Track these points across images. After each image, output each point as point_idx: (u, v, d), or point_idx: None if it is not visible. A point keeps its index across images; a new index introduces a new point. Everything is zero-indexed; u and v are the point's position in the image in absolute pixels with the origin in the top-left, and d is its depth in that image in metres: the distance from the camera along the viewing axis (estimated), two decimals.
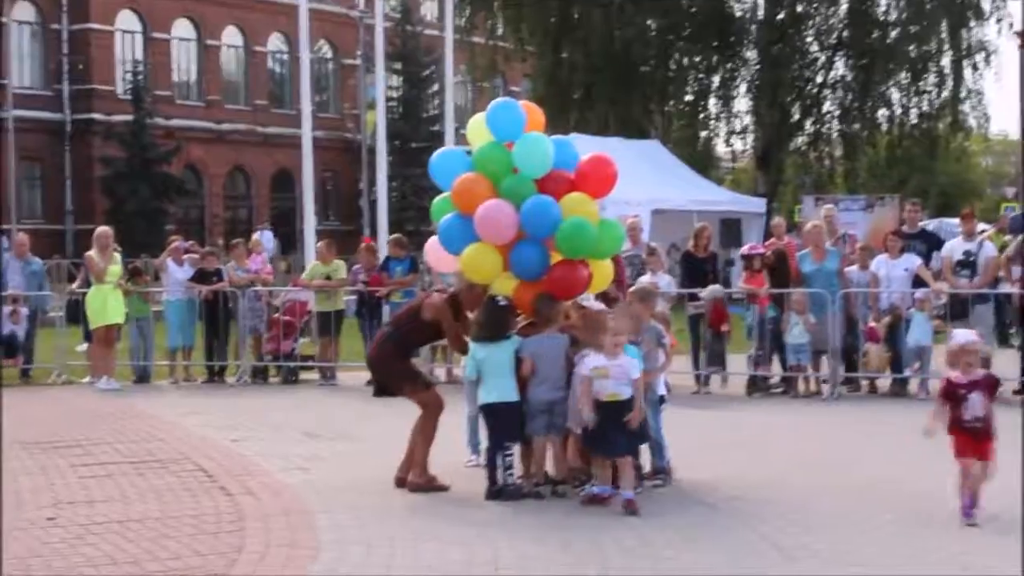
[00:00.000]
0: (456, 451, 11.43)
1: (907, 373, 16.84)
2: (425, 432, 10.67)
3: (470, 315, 10.79)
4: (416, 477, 10.59)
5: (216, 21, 58.64)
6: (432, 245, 11.34)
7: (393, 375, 10.88)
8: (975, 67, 45.02)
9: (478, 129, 11.08)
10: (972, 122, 47.99)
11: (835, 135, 47.79)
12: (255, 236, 27.55)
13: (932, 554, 8.45)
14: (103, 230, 19.18)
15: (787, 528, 9.13)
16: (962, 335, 9.87)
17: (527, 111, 11.05)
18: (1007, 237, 22.23)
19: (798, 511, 9.72)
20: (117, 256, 19.02)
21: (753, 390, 17.19)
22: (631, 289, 11.72)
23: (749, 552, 8.48)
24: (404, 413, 10.90)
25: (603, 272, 10.99)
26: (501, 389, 10.29)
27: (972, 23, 44.24)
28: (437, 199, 11.28)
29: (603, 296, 11.23)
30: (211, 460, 12.11)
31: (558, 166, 10.80)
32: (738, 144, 50.49)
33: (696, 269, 17.92)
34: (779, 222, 20.83)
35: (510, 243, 10.53)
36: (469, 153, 11.20)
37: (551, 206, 10.43)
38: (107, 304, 18.36)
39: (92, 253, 18.68)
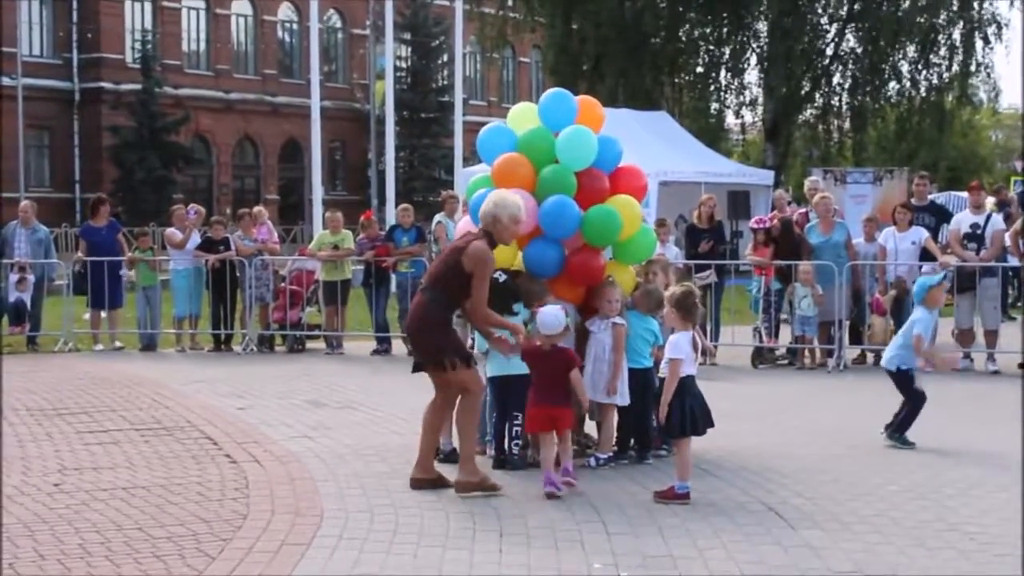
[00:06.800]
0: None
1: None
2: (468, 419, 9.64)
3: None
4: (468, 476, 9.46)
5: None
6: (465, 227, 11.16)
7: (439, 346, 9.50)
8: (986, 40, 44.86)
9: (523, 115, 11.02)
10: (982, 95, 47.88)
11: (844, 108, 47.66)
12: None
13: (937, 523, 8.45)
14: None
15: (792, 499, 9.14)
16: None
17: (585, 106, 11.01)
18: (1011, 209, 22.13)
19: (803, 481, 9.72)
20: None
21: (758, 361, 17.19)
22: (652, 260, 11.54)
23: (754, 521, 8.49)
24: (410, 382, 10.83)
25: (627, 277, 10.95)
26: (508, 361, 10.26)
27: None
28: (473, 179, 11.24)
29: None
30: (217, 428, 12.13)
31: (598, 164, 10.76)
32: (748, 116, 50.44)
33: (699, 241, 17.91)
34: (780, 194, 20.78)
35: (527, 236, 10.47)
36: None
37: (570, 207, 10.38)
38: None
39: None
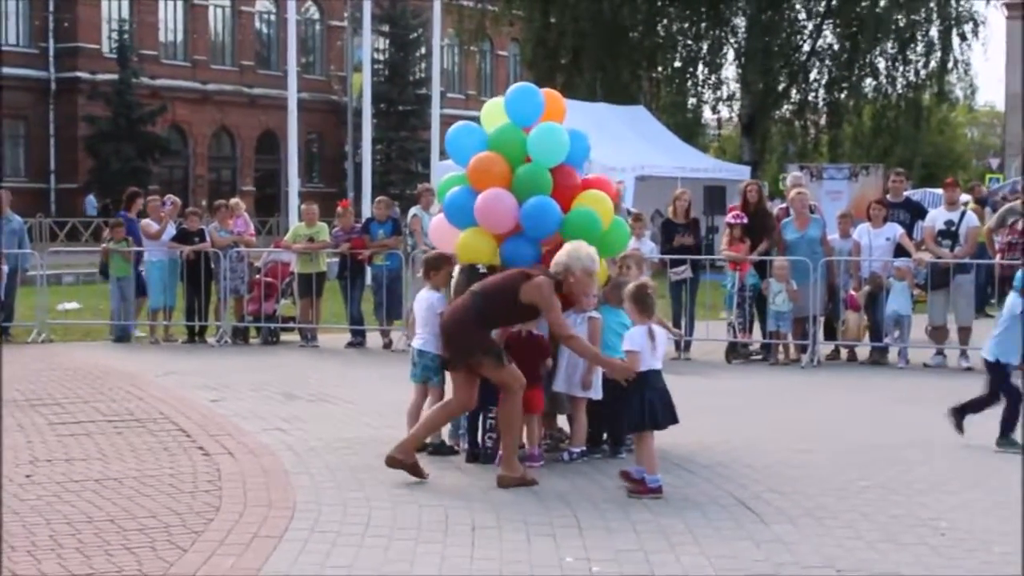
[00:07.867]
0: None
1: (886, 342, 16.88)
2: (510, 418, 9.59)
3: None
4: (510, 471, 9.46)
5: None
6: (438, 224, 11.13)
7: (472, 347, 9.55)
8: (963, 37, 45.04)
9: (494, 112, 10.99)
10: (958, 93, 48.07)
11: (821, 104, 47.81)
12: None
13: (908, 518, 8.48)
14: None
15: (764, 493, 9.16)
16: None
17: (548, 99, 10.96)
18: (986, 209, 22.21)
19: (775, 476, 9.75)
20: None
21: (732, 357, 17.21)
22: (626, 255, 11.51)
23: (726, 515, 8.51)
24: (385, 375, 10.88)
25: (600, 271, 10.91)
26: None
27: None
28: (445, 178, 11.19)
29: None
30: (190, 420, 12.10)
31: (569, 160, 10.73)
32: (724, 111, 50.59)
33: (674, 235, 17.92)
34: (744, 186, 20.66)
35: (506, 233, 10.46)
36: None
37: (552, 208, 10.36)
38: None
39: None
